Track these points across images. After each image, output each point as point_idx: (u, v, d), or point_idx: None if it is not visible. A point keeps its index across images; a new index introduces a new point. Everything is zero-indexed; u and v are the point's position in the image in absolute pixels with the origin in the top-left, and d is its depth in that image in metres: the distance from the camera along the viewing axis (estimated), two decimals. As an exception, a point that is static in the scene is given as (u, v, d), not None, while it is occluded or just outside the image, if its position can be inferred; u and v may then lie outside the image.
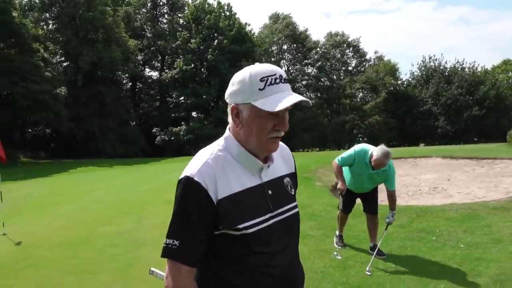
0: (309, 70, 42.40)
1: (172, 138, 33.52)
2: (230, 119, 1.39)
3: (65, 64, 34.35)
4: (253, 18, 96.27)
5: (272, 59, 39.07)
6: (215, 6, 36.87)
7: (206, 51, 35.12)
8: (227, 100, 1.38)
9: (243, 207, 1.32)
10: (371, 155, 4.39)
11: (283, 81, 1.31)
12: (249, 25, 38.78)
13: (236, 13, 37.19)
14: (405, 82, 40.42)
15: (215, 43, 35.68)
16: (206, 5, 36.78)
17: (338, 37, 39.88)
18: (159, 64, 40.71)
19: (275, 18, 40.53)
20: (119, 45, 31.75)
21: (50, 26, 32.41)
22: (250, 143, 1.35)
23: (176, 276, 1.31)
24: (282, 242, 1.39)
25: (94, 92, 30.73)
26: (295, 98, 1.27)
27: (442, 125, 35.18)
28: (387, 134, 36.36)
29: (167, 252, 1.31)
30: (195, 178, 1.29)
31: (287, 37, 38.75)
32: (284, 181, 1.47)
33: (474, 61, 59.83)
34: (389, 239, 5.08)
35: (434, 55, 39.70)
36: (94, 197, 10.78)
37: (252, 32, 38.27)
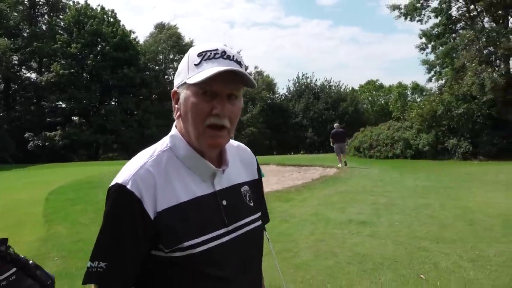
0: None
1: (46, 144, 32.44)
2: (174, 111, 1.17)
3: None
4: (142, 25, 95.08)
5: (156, 67, 39.97)
6: (98, 11, 36.73)
7: (88, 57, 34.80)
8: None
9: (190, 221, 1.07)
10: None
11: (225, 57, 1.07)
12: (134, 32, 39.36)
13: (120, 20, 37.45)
14: (283, 96, 44.22)
15: (98, 49, 35.54)
16: (89, 10, 36.47)
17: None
18: (37, 66, 39.03)
19: (160, 27, 41.55)
20: (-14, 44, 30.09)
21: None
22: (190, 136, 1.11)
23: None
24: (240, 263, 1.14)
25: (-45, 92, 28.71)
26: (223, 68, 1.02)
27: (310, 135, 39.22)
28: (264, 144, 39.47)
29: (90, 277, 1.05)
30: (128, 187, 1.04)
31: (173, 47, 39.97)
32: (242, 189, 1.23)
33: (340, 81, 66.33)
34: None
35: (306, 73, 44.19)
36: None
37: (137, 40, 38.82)
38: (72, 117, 36.28)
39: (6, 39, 34.22)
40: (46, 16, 39.27)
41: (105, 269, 1.03)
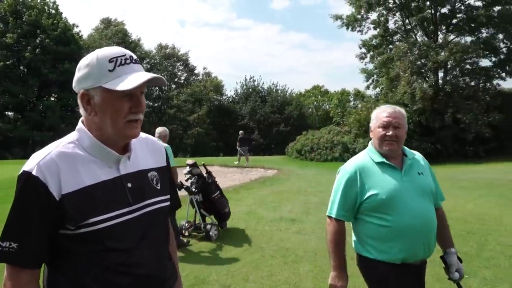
0: (142, 78, 43.16)
1: (-24, 139, 30.40)
2: (81, 109, 1.27)
3: None
4: (89, 17, 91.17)
5: (101, 64, 38.68)
6: (38, 1, 34.98)
7: (25, 49, 33.00)
8: (75, 89, 1.27)
9: (95, 201, 1.20)
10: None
11: (134, 61, 1.25)
12: (77, 26, 37.82)
13: (62, 13, 35.92)
14: (230, 98, 44.49)
15: (37, 41, 33.81)
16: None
17: (168, 49, 41.83)
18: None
19: (106, 23, 40.33)
20: None
21: None
22: (106, 130, 1.25)
23: (16, 282, 1.18)
24: (144, 238, 1.28)
25: None
26: (149, 75, 1.21)
27: (256, 138, 39.76)
28: (210, 145, 39.49)
29: (4, 256, 1.16)
30: (33, 173, 1.16)
31: (118, 44, 38.89)
32: (149, 174, 1.37)
33: (285, 84, 67.56)
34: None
35: (253, 76, 44.78)
36: None
37: (80, 35, 37.40)
38: (6, 112, 34.21)
39: None
40: (-20, 4, 36.75)
41: (16, 249, 1.15)
